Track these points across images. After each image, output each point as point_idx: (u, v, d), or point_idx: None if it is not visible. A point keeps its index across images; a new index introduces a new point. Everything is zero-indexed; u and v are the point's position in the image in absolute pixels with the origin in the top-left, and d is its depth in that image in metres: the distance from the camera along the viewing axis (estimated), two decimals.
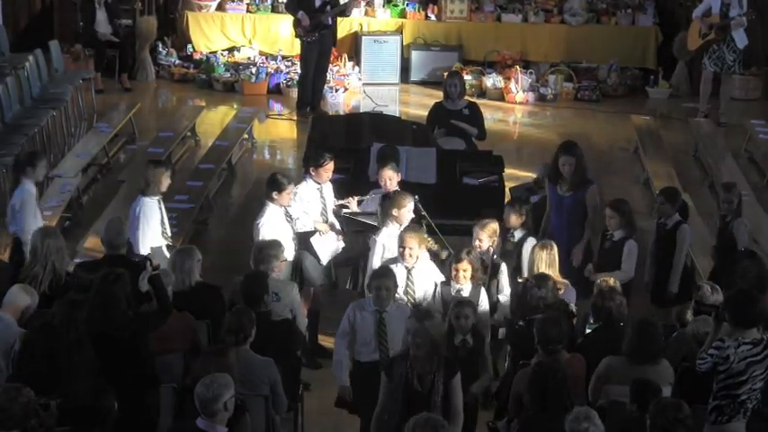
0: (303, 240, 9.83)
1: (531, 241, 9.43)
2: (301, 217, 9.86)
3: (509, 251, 9.53)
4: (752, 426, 7.20)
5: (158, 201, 9.78)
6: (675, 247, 9.58)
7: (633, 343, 7.49)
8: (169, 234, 9.84)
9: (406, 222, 9.33)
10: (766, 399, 7.30)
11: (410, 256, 8.85)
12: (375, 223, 9.72)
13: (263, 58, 17.88)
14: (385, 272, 8.48)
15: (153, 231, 9.67)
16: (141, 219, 9.61)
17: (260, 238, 9.35)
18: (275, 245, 8.85)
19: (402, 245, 8.89)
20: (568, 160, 9.87)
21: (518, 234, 9.61)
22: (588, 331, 8.57)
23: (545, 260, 8.89)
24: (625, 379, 7.30)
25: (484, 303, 8.83)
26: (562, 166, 9.89)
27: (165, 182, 9.85)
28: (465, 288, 8.79)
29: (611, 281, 8.53)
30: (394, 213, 9.34)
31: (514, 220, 9.59)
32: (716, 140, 14.69)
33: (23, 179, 9.98)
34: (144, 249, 9.46)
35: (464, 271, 8.77)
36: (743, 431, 7.19)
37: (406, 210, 9.36)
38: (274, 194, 9.58)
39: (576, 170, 9.87)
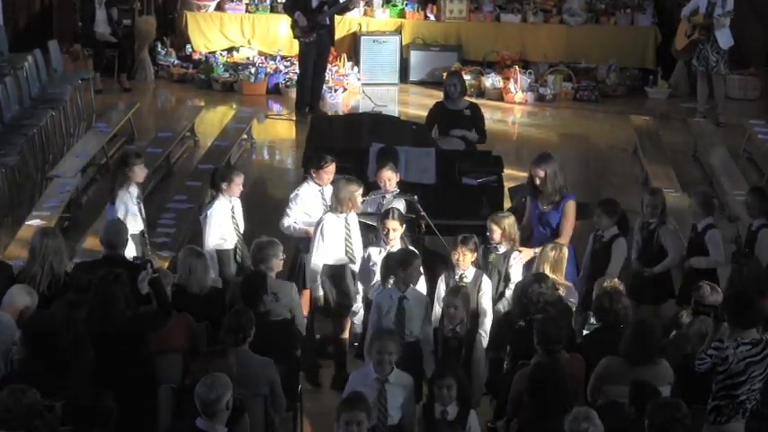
0: (303, 242, 9.81)
1: (486, 280, 8.91)
2: (302, 219, 9.85)
3: (464, 293, 8.56)
4: (751, 426, 7.21)
5: (345, 218, 9.46)
6: (610, 259, 9.47)
7: (631, 344, 7.49)
8: (354, 254, 9.45)
9: (416, 283, 8.73)
10: (765, 399, 7.30)
11: (389, 363, 7.48)
12: (375, 223, 9.71)
13: (262, 58, 17.89)
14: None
15: (331, 249, 9.40)
16: (318, 236, 9.36)
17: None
18: (275, 244, 8.84)
19: (378, 352, 7.52)
20: (537, 172, 9.56)
21: (470, 274, 8.92)
22: (587, 332, 8.59)
23: (550, 261, 8.83)
24: (624, 379, 7.30)
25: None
26: (533, 177, 9.62)
27: (358, 198, 9.49)
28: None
29: (616, 282, 8.50)
30: (401, 275, 8.56)
31: (470, 258, 8.88)
32: (715, 140, 14.69)
33: (218, 194, 9.73)
34: (315, 265, 9.27)
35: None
36: (742, 431, 7.20)
37: (413, 269, 8.58)
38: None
39: (548, 183, 9.54)
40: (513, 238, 9.30)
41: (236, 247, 9.72)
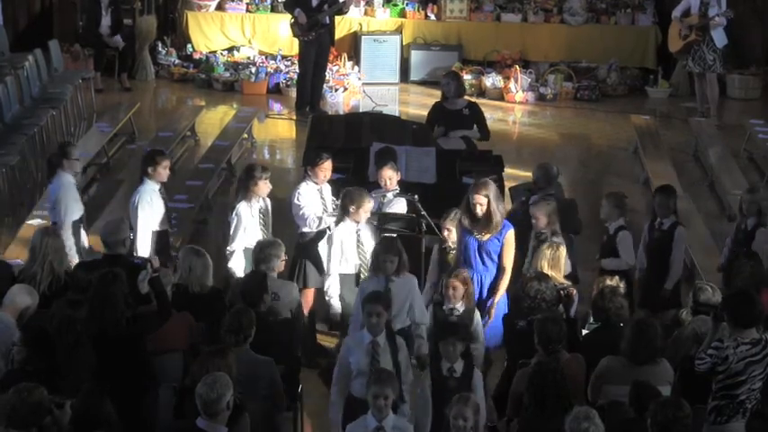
0: (305, 243, 9.79)
1: (477, 316, 8.60)
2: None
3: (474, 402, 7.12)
4: (751, 426, 7.20)
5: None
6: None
7: (631, 343, 7.48)
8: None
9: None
10: (766, 399, 7.30)
11: None
12: (375, 223, 9.70)
13: (263, 57, 17.90)
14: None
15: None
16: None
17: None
18: (277, 244, 8.84)
19: None
20: (478, 199, 8.96)
21: (459, 368, 7.70)
22: (586, 332, 8.58)
23: (548, 259, 8.75)
24: (624, 379, 7.30)
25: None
26: (474, 206, 8.96)
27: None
28: None
29: (615, 281, 8.50)
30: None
31: (458, 350, 7.76)
32: (715, 140, 14.69)
33: (344, 218, 9.37)
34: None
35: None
36: (742, 431, 7.20)
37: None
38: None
39: (491, 211, 8.95)
40: (472, 293, 8.70)
41: (358, 273, 9.37)
